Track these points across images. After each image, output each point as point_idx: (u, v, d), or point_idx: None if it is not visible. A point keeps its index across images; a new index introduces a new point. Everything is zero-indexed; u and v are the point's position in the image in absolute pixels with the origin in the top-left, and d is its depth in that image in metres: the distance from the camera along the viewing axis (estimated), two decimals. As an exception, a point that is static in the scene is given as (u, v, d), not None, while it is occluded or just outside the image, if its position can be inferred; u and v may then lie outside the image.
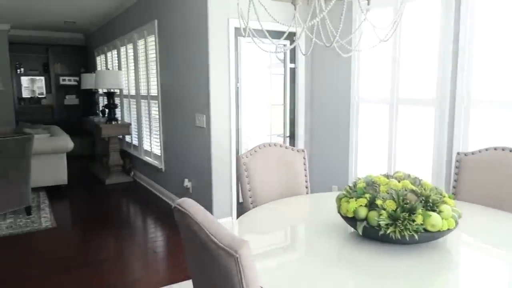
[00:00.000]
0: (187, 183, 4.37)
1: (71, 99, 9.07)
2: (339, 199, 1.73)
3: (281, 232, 1.97)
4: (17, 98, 8.51)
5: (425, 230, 1.49)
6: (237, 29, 3.76)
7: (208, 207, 3.94)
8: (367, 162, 3.88)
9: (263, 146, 2.54)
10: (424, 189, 1.61)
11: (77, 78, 8.92)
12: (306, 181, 2.63)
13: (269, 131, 4.21)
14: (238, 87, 3.90)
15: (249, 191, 2.42)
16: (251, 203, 2.41)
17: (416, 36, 3.28)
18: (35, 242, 3.75)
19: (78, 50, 9.02)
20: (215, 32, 3.67)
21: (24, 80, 8.70)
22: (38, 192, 5.24)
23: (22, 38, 8.43)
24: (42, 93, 8.85)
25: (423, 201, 1.55)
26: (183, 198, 1.32)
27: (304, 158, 2.63)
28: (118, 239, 3.79)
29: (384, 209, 1.53)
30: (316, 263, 1.51)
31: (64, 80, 8.99)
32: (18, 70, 8.52)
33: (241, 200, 3.97)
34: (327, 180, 4.24)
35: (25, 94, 8.72)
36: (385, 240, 1.55)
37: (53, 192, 5.36)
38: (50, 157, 5.21)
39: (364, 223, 1.57)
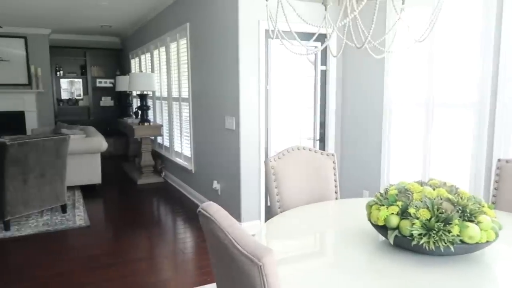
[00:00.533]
0: (216, 185, 4.38)
1: (106, 101, 9.35)
2: (369, 206, 1.67)
3: (308, 239, 1.92)
4: (57, 99, 8.87)
5: (462, 241, 1.41)
6: (267, 31, 3.74)
7: (236, 209, 3.93)
8: (400, 168, 3.75)
9: (292, 150, 2.50)
10: (461, 198, 1.52)
11: (112, 81, 9.19)
12: (336, 186, 2.57)
13: (298, 134, 4.15)
14: (267, 90, 3.87)
15: (277, 195, 2.38)
16: (279, 208, 2.37)
17: (453, 36, 3.14)
18: (69, 240, 3.88)
19: (114, 53, 9.30)
20: (245, 35, 3.67)
21: (63, 82, 9.05)
22: (74, 191, 5.42)
23: (62, 42, 8.79)
24: (79, 95, 9.18)
25: (460, 211, 1.46)
26: (208, 202, 1.31)
27: (333, 162, 2.57)
28: (148, 239, 3.85)
29: (417, 218, 1.46)
30: (344, 272, 1.46)
31: (100, 82, 9.29)
32: (58, 73, 8.88)
33: (269, 203, 3.94)
34: (358, 185, 4.14)
35: (64, 95, 9.07)
36: (418, 250, 1.47)
37: (88, 191, 5.53)
38: (85, 157, 5.38)
39: (396, 232, 1.50)
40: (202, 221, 1.31)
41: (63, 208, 4.54)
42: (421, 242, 1.41)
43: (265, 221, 4.00)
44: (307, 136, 4.21)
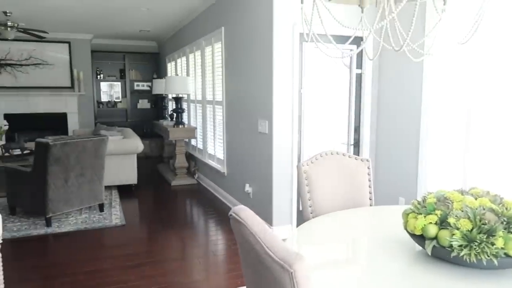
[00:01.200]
0: (248, 188, 4.39)
1: (143, 103, 9.62)
2: (406, 215, 1.61)
3: (341, 246, 1.88)
4: (97, 101, 9.21)
5: (506, 255, 1.33)
6: (301, 35, 3.71)
7: (268, 213, 3.92)
8: (439, 175, 3.60)
9: (325, 154, 2.46)
10: (506, 208, 1.44)
11: (149, 84, 9.44)
12: (370, 193, 2.50)
13: (332, 139, 4.09)
14: (301, 93, 3.84)
15: (309, 200, 2.35)
16: (311, 213, 2.34)
17: (497, 38, 2.99)
18: (106, 238, 4.00)
19: (151, 57, 9.56)
20: (279, 38, 3.66)
21: (103, 85, 9.39)
22: (111, 190, 5.59)
23: (103, 47, 9.13)
24: (118, 97, 9.49)
25: (504, 222, 1.38)
26: (239, 206, 1.30)
27: (368, 168, 2.50)
28: (180, 240, 3.90)
29: (458, 229, 1.39)
30: (378, 283, 1.41)
31: (138, 85, 9.57)
32: (99, 76, 9.23)
33: (301, 208, 3.90)
34: (393, 192, 4.02)
35: (104, 98, 9.40)
36: (457, 262, 1.41)
37: (124, 191, 5.69)
38: (122, 158, 5.55)
39: (434, 242, 1.44)
40: (233, 225, 1.30)
41: (101, 207, 4.69)
42: (461, 254, 1.34)
43: (297, 226, 3.97)
44: (341, 141, 4.14)
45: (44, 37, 6.68)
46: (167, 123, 6.83)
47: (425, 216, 1.50)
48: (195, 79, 6.43)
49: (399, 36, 1.53)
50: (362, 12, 1.77)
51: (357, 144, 4.21)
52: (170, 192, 5.86)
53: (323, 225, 2.04)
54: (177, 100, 6.23)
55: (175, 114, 6.37)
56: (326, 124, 4.04)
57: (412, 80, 3.75)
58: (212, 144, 5.81)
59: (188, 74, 6.82)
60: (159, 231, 4.13)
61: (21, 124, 8.12)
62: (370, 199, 2.50)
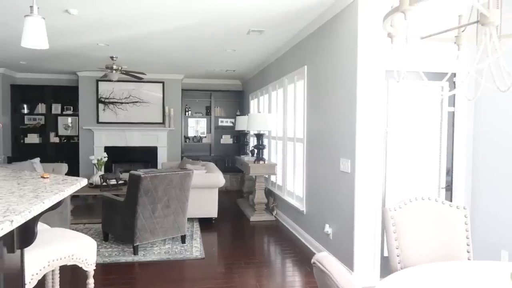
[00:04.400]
0: (327, 228, 4.23)
1: (226, 139, 10.01)
2: (515, 276, 1.40)
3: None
4: (184, 136, 9.81)
5: None
6: (387, 72, 3.60)
7: (349, 257, 3.71)
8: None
9: (415, 200, 2.28)
10: None
11: (233, 120, 9.84)
12: (468, 244, 2.25)
13: (420, 181, 3.80)
14: (386, 132, 3.68)
15: (397, 248, 2.18)
16: (399, 263, 2.16)
17: None
18: (186, 270, 4.10)
19: (235, 95, 10.01)
20: (363, 76, 3.59)
21: (191, 121, 10.00)
22: (193, 222, 5.79)
23: (192, 85, 9.81)
24: (203, 133, 10.02)
25: None
26: (323, 254, 1.24)
27: (465, 216, 2.27)
28: (257, 278, 3.85)
29: None
30: None
31: (221, 121, 10.04)
32: (187, 113, 9.87)
33: (385, 253, 3.63)
34: (494, 244, 3.56)
35: (190, 133, 9.99)
36: None
37: (204, 223, 5.85)
38: (204, 191, 5.75)
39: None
40: (316, 273, 1.24)
41: (183, 239, 4.86)
42: None
43: (380, 273, 3.69)
44: (430, 184, 3.84)
45: (142, 78, 7.39)
46: (248, 158, 6.98)
47: (541, 281, 1.28)
48: (277, 116, 6.54)
49: (503, 75, 1.39)
50: (459, 49, 1.66)
51: (449, 188, 3.87)
52: (248, 227, 5.89)
53: (414, 280, 1.86)
54: (259, 136, 6.37)
55: (256, 150, 6.50)
56: (413, 165, 3.79)
57: (515, 119, 3.39)
58: (291, 181, 5.78)
59: (270, 111, 6.98)
60: (236, 267, 4.12)
61: (118, 156, 8.92)
62: (468, 252, 2.24)
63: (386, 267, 3.09)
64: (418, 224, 2.23)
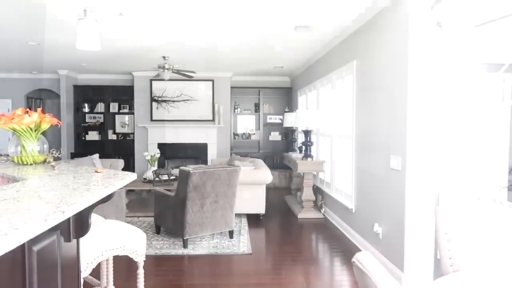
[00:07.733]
0: (377, 228, 4.10)
1: (275, 136, 10.02)
2: None
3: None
4: (233, 133, 9.95)
5: None
6: (440, 64, 3.40)
7: (399, 258, 3.57)
8: None
9: (471, 200, 2.14)
10: None
11: (281, 117, 9.83)
12: (531, 249, 2.07)
13: (477, 180, 3.56)
14: (441, 128, 3.48)
15: (449, 250, 2.06)
16: (451, 265, 2.04)
17: None
18: (233, 264, 4.16)
19: (284, 92, 9.98)
20: (414, 73, 3.42)
21: (240, 118, 10.13)
22: (240, 218, 5.86)
23: (240, 83, 9.92)
24: (252, 130, 10.09)
25: None
26: (363, 253, 1.20)
27: (528, 218, 2.09)
28: (304, 275, 3.82)
29: None
30: None
31: (270, 118, 10.06)
32: (236, 110, 10.00)
33: (438, 255, 3.45)
34: None
35: (239, 130, 10.12)
36: None
37: (252, 220, 5.90)
38: (252, 187, 5.79)
39: None
40: (356, 272, 1.20)
41: (231, 234, 4.94)
42: None
43: (433, 275, 3.51)
44: (490, 183, 3.58)
45: (193, 77, 7.59)
46: (296, 155, 6.93)
47: None
48: (325, 112, 6.43)
49: None
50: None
51: (511, 188, 3.59)
52: (296, 224, 5.85)
53: (467, 284, 1.75)
54: (307, 133, 6.30)
55: (304, 147, 6.44)
56: (470, 163, 3.56)
57: None
58: (340, 178, 5.66)
59: (318, 108, 6.88)
60: (283, 264, 4.12)
61: (169, 152, 9.27)
62: (531, 257, 2.06)
63: (440, 270, 2.94)
64: (475, 228, 2.09)
